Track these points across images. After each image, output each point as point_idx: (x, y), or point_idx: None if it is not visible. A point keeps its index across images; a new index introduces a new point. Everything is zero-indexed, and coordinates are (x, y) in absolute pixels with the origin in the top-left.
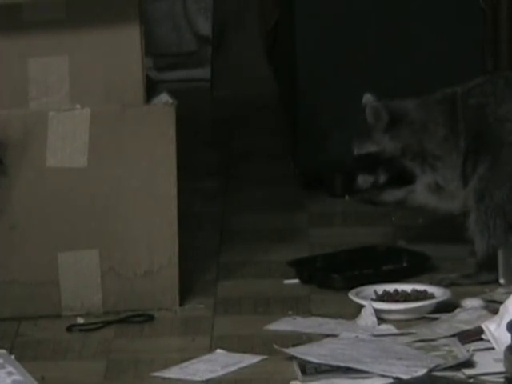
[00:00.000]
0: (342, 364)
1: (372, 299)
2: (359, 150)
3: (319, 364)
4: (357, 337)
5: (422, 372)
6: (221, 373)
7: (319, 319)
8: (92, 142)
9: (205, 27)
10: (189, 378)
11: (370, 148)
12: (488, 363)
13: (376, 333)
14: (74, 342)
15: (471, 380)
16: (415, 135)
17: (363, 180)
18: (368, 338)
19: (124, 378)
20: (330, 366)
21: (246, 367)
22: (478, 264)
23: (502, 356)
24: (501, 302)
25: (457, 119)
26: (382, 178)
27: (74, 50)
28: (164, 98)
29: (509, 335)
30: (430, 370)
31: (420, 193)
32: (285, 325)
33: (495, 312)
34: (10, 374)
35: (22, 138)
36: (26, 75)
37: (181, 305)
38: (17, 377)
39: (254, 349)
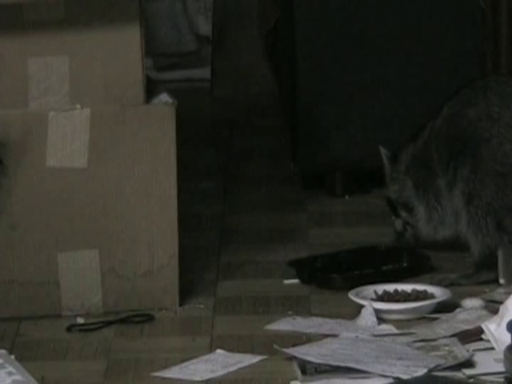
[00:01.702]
0: (342, 364)
1: (372, 299)
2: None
3: (319, 364)
4: (357, 337)
5: (422, 372)
6: (221, 373)
7: (319, 319)
8: (92, 142)
9: (205, 27)
10: (189, 378)
11: (385, 193)
12: (488, 363)
13: (376, 333)
14: (74, 342)
15: (471, 380)
16: (405, 174)
17: (396, 223)
18: (368, 337)
19: (124, 378)
20: (330, 366)
21: (246, 367)
22: (477, 265)
23: (502, 356)
24: (501, 302)
25: (427, 143)
26: (415, 218)
27: (74, 50)
28: (164, 98)
29: (509, 335)
30: (430, 370)
31: (423, 226)
32: (285, 325)
33: (495, 312)
34: (10, 373)
35: (22, 138)
36: (26, 75)
37: (181, 305)
38: (17, 377)
39: (254, 349)
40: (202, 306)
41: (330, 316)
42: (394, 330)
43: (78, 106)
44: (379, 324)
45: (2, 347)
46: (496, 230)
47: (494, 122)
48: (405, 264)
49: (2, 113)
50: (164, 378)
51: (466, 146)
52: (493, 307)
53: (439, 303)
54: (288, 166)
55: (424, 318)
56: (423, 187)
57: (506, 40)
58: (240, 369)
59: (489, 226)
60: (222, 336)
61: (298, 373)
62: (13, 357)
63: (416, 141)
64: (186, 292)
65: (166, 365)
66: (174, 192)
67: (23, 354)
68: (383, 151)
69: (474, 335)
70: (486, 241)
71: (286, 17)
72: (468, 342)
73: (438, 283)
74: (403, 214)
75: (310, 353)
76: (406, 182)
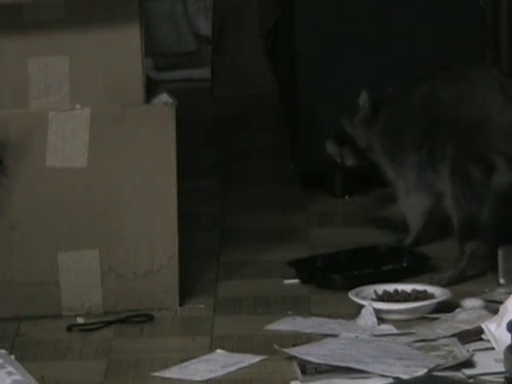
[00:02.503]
0: (342, 364)
1: (372, 299)
2: (343, 121)
3: (319, 364)
4: (357, 337)
5: (421, 372)
6: (221, 373)
7: (319, 319)
8: (92, 142)
9: (205, 27)
10: (189, 378)
11: (347, 127)
12: (488, 363)
13: (376, 333)
14: (74, 342)
15: (471, 380)
16: (376, 135)
17: (330, 148)
18: (368, 338)
19: (124, 377)
20: (330, 365)
21: (246, 367)
22: (460, 235)
23: (502, 356)
24: (501, 302)
25: (402, 116)
26: (348, 160)
27: (74, 49)
28: (164, 98)
29: (509, 335)
30: (430, 370)
31: (403, 198)
32: (285, 325)
33: (495, 312)
34: (9, 373)
35: (22, 138)
36: (26, 75)
37: (181, 305)
38: (17, 377)
39: (254, 349)
40: (202, 306)
41: (330, 316)
42: (394, 330)
43: (78, 106)
44: (379, 324)
45: (2, 347)
46: (478, 200)
47: (464, 102)
48: (405, 264)
49: (2, 113)
50: (164, 378)
51: (439, 127)
52: (493, 307)
53: (439, 303)
54: (288, 165)
55: (424, 318)
56: (391, 155)
57: (506, 40)
58: (240, 369)
59: (465, 193)
60: (222, 336)
61: (298, 373)
62: (13, 357)
63: (394, 107)
64: (186, 292)
65: (166, 365)
66: (174, 192)
67: (23, 354)
68: (364, 97)
69: (473, 335)
70: (465, 209)
71: (286, 17)
72: (468, 342)
73: (438, 283)
74: (347, 154)
75: (310, 353)
76: (375, 142)
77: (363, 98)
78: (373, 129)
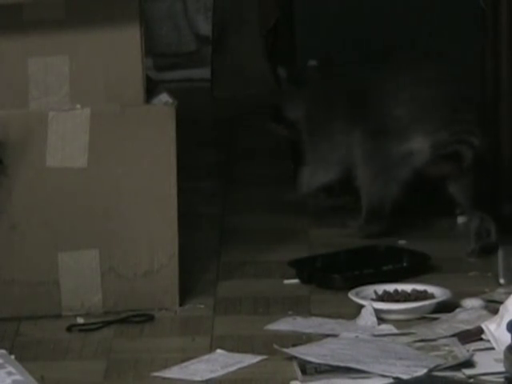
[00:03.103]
0: (342, 364)
1: (372, 299)
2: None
3: (319, 364)
4: (357, 337)
5: (421, 372)
6: (221, 373)
7: (319, 319)
8: (92, 142)
9: (205, 27)
10: (189, 378)
11: (277, 101)
12: (488, 363)
13: (376, 333)
14: (74, 342)
15: (471, 380)
16: (305, 108)
17: (269, 126)
18: (368, 338)
19: (124, 377)
20: (330, 366)
21: (245, 367)
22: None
23: (502, 356)
24: (501, 302)
25: (331, 97)
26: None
27: (74, 49)
28: (164, 98)
29: (509, 335)
30: (430, 370)
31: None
32: (285, 325)
33: (495, 312)
34: (9, 374)
35: (22, 138)
36: (26, 75)
37: (181, 305)
38: (17, 377)
39: (254, 349)
40: (202, 306)
41: (330, 316)
42: (394, 330)
43: (78, 106)
44: (379, 324)
45: (2, 347)
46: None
47: (387, 84)
48: (405, 264)
49: (2, 113)
50: (164, 378)
51: (364, 107)
52: (493, 307)
53: (439, 303)
54: (288, 166)
55: (424, 317)
56: (314, 129)
57: (506, 40)
58: (240, 369)
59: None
60: (222, 336)
61: (298, 373)
62: (13, 357)
63: (319, 82)
64: (186, 292)
65: (166, 365)
66: (174, 192)
67: (23, 354)
68: (282, 72)
69: (474, 335)
70: (373, 190)
71: (286, 17)
72: (468, 342)
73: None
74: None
75: (310, 353)
76: (301, 115)
77: (281, 73)
78: (298, 102)
